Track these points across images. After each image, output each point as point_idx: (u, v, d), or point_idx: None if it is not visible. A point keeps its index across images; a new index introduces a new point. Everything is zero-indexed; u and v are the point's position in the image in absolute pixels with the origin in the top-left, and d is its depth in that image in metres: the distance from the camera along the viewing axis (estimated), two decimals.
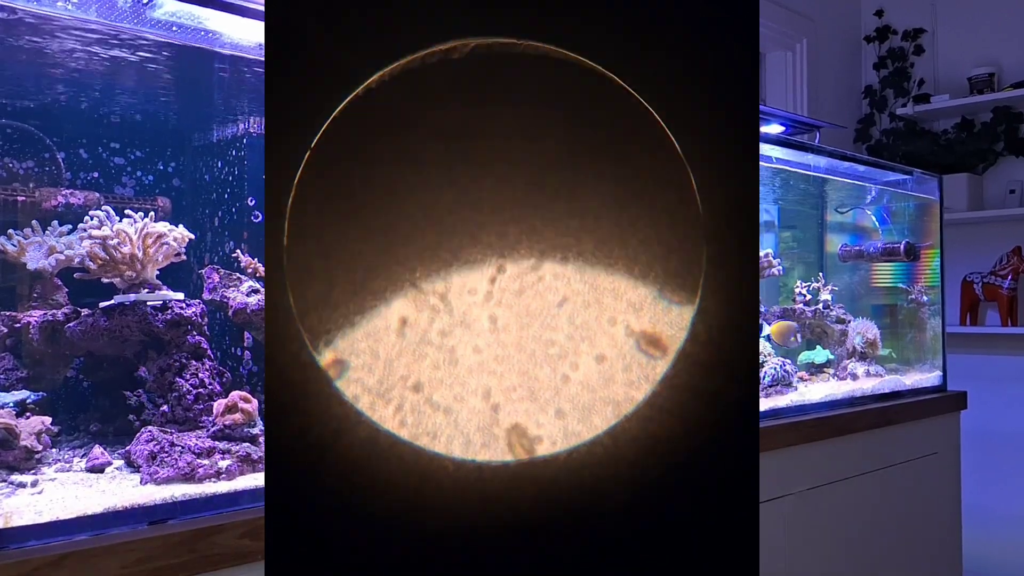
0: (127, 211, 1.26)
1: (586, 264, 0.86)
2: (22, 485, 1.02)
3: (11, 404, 1.15)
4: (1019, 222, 3.59)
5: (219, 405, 1.18)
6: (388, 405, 0.83)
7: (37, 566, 0.85)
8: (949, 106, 3.71)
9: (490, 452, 0.83)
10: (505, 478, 0.83)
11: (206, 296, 1.41)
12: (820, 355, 2.43)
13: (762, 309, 2.40)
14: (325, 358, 0.83)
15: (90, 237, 1.22)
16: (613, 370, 0.86)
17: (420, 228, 0.85)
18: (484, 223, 0.85)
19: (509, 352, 0.84)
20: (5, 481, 1.03)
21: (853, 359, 2.45)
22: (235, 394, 1.19)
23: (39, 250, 1.32)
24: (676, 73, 0.87)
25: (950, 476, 2.48)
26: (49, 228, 1.34)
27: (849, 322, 2.52)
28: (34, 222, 1.32)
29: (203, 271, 1.45)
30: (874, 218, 2.83)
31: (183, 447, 1.10)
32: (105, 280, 1.24)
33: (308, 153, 0.83)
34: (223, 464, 1.10)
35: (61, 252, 1.31)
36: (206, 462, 1.09)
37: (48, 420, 1.13)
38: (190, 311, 1.26)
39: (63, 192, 1.40)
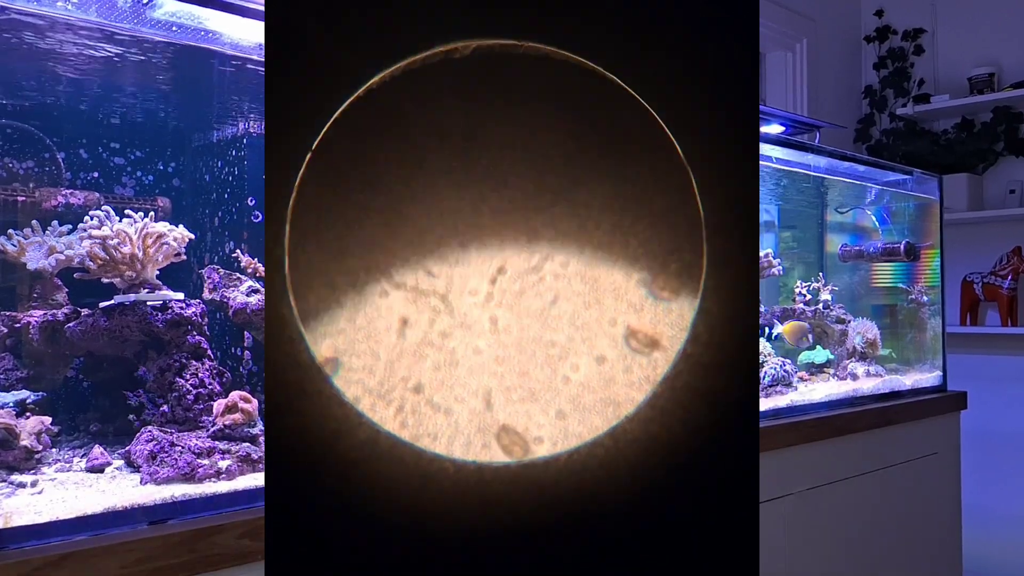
0: (127, 211, 1.26)
1: (587, 265, 0.86)
2: (22, 485, 1.02)
3: (11, 404, 1.15)
4: (1019, 222, 3.59)
5: (219, 405, 1.18)
6: (389, 406, 0.83)
7: (37, 566, 0.85)
8: (949, 106, 3.71)
9: (491, 453, 0.83)
10: (506, 479, 0.83)
11: (206, 296, 1.41)
12: (820, 355, 2.43)
13: (762, 309, 2.40)
14: (326, 359, 0.83)
15: (90, 237, 1.22)
16: (614, 371, 0.86)
17: (421, 229, 0.85)
18: (485, 224, 0.85)
19: (510, 353, 0.84)
20: (5, 481, 1.02)
21: (853, 359, 2.45)
22: (235, 394, 1.19)
23: (39, 250, 1.32)
24: (676, 73, 0.87)
25: (950, 476, 2.48)
26: (49, 228, 1.34)
27: (849, 322, 2.52)
28: (34, 222, 1.32)
29: (203, 271, 1.45)
30: (874, 218, 2.83)
31: (183, 447, 1.10)
32: (105, 280, 1.24)
33: (309, 154, 0.83)
34: (223, 464, 1.10)
35: (61, 252, 1.31)
36: (206, 462, 1.09)
37: (48, 420, 1.13)
38: (190, 311, 1.26)
39: (63, 192, 1.40)
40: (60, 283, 1.36)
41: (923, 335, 2.70)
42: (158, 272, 1.27)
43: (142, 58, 1.26)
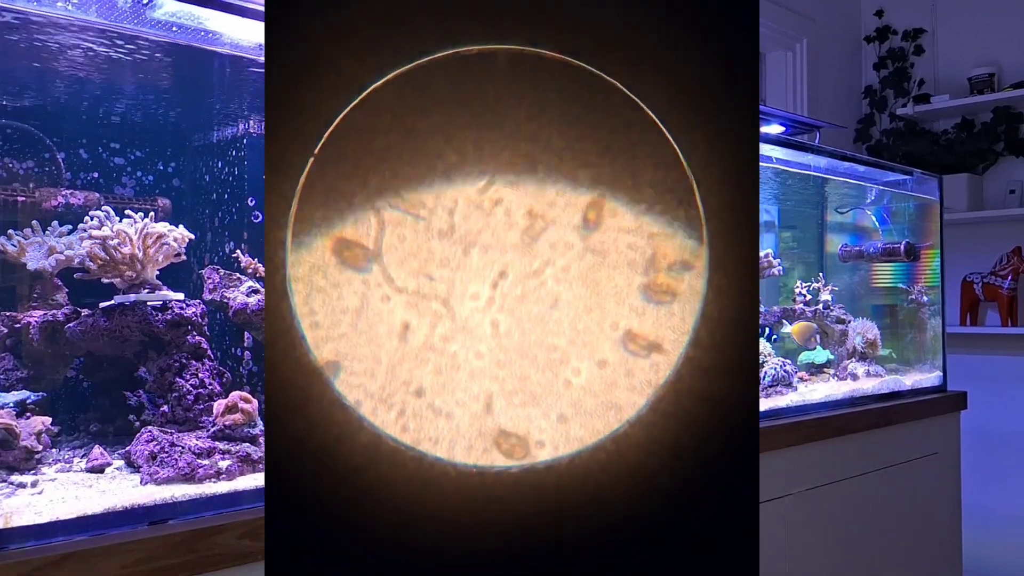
0: (127, 211, 1.26)
1: (588, 269, 0.86)
2: (22, 485, 1.02)
3: (11, 404, 1.15)
4: (1019, 222, 3.59)
5: (219, 405, 1.18)
6: (390, 410, 0.83)
7: (37, 566, 0.85)
8: (949, 106, 3.71)
9: (492, 457, 0.83)
10: (507, 483, 0.83)
11: (206, 296, 1.41)
12: (820, 355, 2.43)
13: (762, 310, 2.40)
14: (327, 363, 0.83)
15: (90, 237, 1.22)
16: (615, 375, 0.86)
17: (422, 232, 0.84)
18: (486, 229, 0.85)
19: (511, 357, 0.84)
20: (5, 481, 1.02)
21: (853, 359, 2.45)
22: (235, 394, 1.19)
23: (39, 250, 1.32)
24: (676, 73, 0.87)
25: (950, 476, 2.48)
26: (49, 228, 1.34)
27: (849, 322, 2.51)
28: (34, 222, 1.32)
29: (203, 271, 1.45)
30: (874, 218, 2.83)
31: (183, 447, 1.10)
32: (105, 280, 1.24)
33: (310, 157, 0.83)
34: (223, 464, 1.10)
35: (61, 252, 1.31)
36: (206, 462, 1.09)
37: (48, 420, 1.13)
38: (190, 311, 1.26)
39: (63, 192, 1.40)
40: (60, 283, 1.36)
41: (923, 335, 2.70)
42: (158, 272, 1.27)
43: (142, 58, 1.26)
